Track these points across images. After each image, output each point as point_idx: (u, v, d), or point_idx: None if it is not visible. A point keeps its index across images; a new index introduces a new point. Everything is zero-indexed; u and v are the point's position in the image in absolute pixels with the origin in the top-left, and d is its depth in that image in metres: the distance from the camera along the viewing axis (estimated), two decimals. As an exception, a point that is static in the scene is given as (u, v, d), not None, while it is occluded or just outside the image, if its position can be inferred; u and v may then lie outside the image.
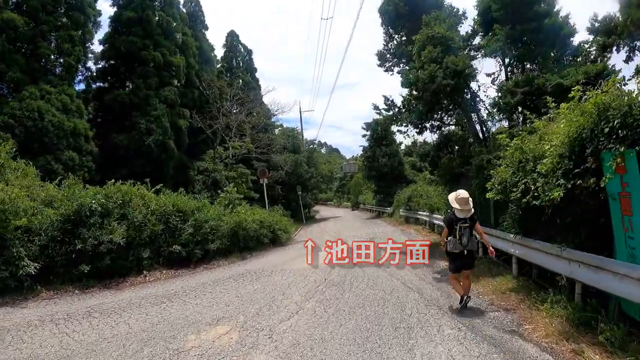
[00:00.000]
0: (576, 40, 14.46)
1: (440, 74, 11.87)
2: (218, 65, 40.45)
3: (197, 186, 24.97)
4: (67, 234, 9.51)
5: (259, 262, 12.60)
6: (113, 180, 11.77)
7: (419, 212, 23.32)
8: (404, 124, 13.90)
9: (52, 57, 19.77)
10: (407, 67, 14.50)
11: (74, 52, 20.53)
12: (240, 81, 40.42)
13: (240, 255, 13.73)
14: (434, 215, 19.29)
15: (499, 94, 13.27)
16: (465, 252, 5.90)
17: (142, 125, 21.90)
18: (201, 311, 7.02)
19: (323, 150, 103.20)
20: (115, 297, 8.62)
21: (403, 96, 14.32)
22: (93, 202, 10.02)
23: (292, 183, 33.52)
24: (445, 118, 14.35)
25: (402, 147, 42.56)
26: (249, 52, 47.69)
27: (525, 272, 7.72)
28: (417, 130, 13.88)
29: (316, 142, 38.77)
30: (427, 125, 13.95)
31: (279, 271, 10.61)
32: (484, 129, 14.21)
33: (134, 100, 22.46)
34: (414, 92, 12.97)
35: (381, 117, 14.22)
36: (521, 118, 12.22)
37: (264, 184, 21.85)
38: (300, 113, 46.18)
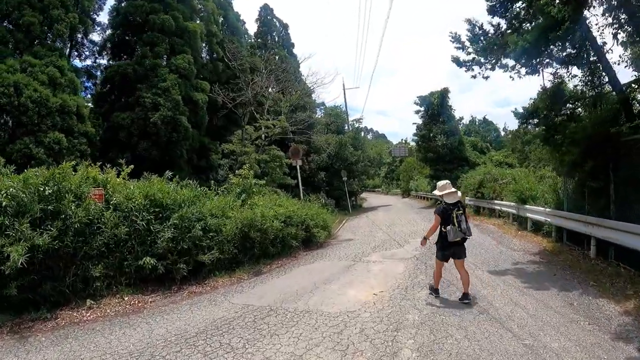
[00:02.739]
0: None
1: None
2: (250, 40, 36.51)
3: (221, 172, 21.11)
4: None
5: (276, 285, 8.08)
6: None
7: (497, 202, 17.94)
8: (503, 59, 8.67)
9: (37, 24, 16.32)
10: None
11: (66, 19, 17.10)
12: (277, 57, 36.37)
13: (253, 267, 9.40)
14: (527, 207, 13.94)
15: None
16: (466, 238, 5.75)
17: (147, 100, 18.26)
18: None
19: (369, 136, 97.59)
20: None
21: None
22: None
23: (336, 168, 29.26)
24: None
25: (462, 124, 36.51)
26: (285, 26, 43.56)
27: None
28: (529, 69, 8.55)
29: (362, 119, 33.63)
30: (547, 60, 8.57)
31: (306, 316, 5.83)
32: None
33: (139, 70, 18.83)
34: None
35: (465, 52, 8.97)
36: None
37: (298, 167, 17.40)
38: (344, 88, 41.33)
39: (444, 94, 32.19)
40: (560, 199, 12.16)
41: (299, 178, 17.69)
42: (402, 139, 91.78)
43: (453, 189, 5.95)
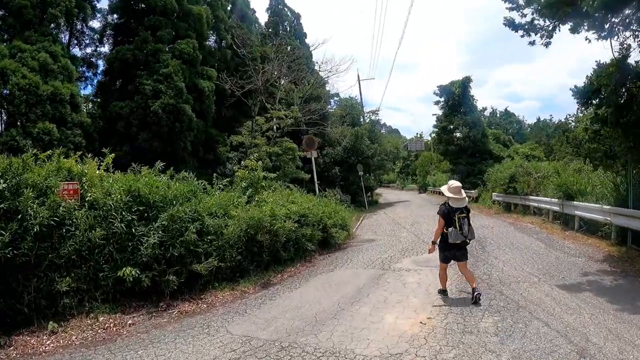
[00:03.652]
0: None
1: None
2: (261, 30, 34.97)
3: (230, 165, 19.64)
4: None
5: (288, 303, 6.43)
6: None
7: (533, 198, 16.12)
8: (568, 21, 6.84)
9: (29, 7, 14.97)
10: None
11: (61, 2, 15.75)
12: (288, 48, 34.74)
13: (260, 277, 7.86)
14: (575, 203, 12.13)
15: None
16: (468, 241, 5.70)
17: (147, 87, 16.83)
18: None
19: (383, 131, 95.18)
20: None
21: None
22: None
23: (352, 162, 27.63)
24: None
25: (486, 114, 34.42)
26: (297, 16, 41.96)
27: None
28: (603, 32, 6.73)
29: (379, 110, 31.74)
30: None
31: None
32: None
33: (139, 56, 17.42)
34: None
35: (520, 12, 7.18)
36: None
37: (313, 160, 15.78)
38: (359, 80, 39.35)
39: (465, 83, 30.20)
40: (622, 194, 10.35)
41: (314, 172, 16.10)
42: (416, 133, 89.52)
43: (463, 195, 5.84)
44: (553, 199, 13.84)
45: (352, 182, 27.60)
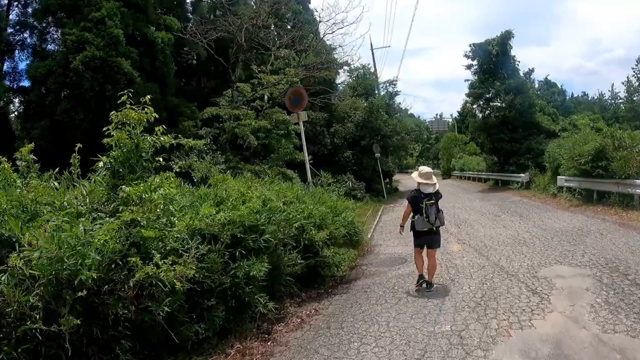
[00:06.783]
0: None
1: None
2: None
3: (203, 147, 14.33)
4: None
5: None
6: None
7: (643, 181, 10.44)
8: None
9: None
10: None
11: None
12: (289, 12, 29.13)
13: None
14: None
15: None
16: (435, 228, 5.50)
17: (70, 38, 11.66)
18: None
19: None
20: None
21: None
22: None
23: (366, 142, 22.44)
24: None
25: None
26: (299, -25, 35.97)
27: None
28: None
29: (397, 81, 25.95)
30: None
31: None
32: None
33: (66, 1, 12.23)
34: None
35: None
36: None
37: (301, 126, 10.24)
38: (372, 48, 33.60)
39: (505, 39, 24.09)
40: None
41: (305, 147, 10.58)
42: (436, 114, 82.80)
43: (434, 181, 5.66)
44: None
45: (366, 166, 22.61)
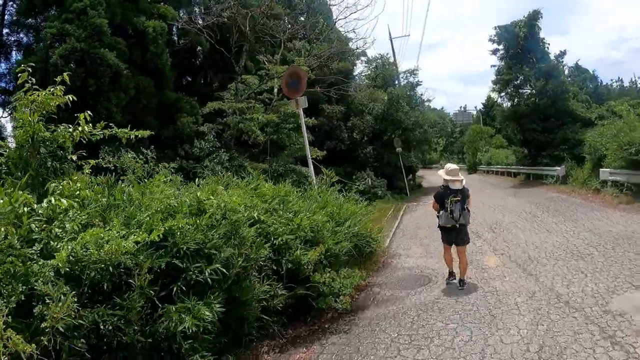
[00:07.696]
0: None
1: None
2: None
3: (200, 143, 13.29)
4: None
5: None
6: None
7: None
8: None
9: None
10: None
11: None
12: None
13: None
14: None
15: None
16: (458, 225, 5.41)
17: (50, 30, 10.71)
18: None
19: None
20: None
21: None
22: None
23: (387, 137, 21.06)
24: None
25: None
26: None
27: None
28: None
29: (418, 70, 24.12)
30: None
31: None
32: None
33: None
34: None
35: None
36: None
37: (301, 114, 8.78)
38: (390, 37, 31.86)
39: (532, 20, 21.97)
40: None
41: (306, 140, 9.11)
42: (460, 106, 79.71)
43: (460, 177, 5.66)
44: None
45: (387, 162, 21.32)
